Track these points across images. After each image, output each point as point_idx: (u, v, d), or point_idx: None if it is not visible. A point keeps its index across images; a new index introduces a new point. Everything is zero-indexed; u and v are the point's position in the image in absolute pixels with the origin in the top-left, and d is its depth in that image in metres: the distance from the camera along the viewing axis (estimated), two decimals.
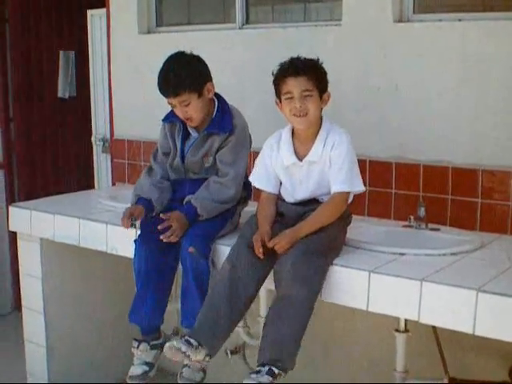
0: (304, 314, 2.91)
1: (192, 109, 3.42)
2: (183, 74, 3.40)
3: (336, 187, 3.13)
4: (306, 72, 3.11)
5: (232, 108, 3.54)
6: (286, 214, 3.25)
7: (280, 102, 3.19)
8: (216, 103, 3.53)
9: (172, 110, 3.54)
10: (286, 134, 3.25)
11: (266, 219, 3.18)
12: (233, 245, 3.16)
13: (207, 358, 2.93)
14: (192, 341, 2.89)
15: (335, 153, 3.12)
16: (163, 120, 3.63)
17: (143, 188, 3.57)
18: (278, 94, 3.18)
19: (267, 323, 2.95)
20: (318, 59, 3.18)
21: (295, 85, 3.10)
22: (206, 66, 3.50)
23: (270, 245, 3.01)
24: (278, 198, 3.32)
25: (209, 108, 3.50)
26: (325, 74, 3.18)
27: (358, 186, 3.17)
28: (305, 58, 3.16)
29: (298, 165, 3.20)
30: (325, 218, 3.10)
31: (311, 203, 3.22)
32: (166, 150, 3.63)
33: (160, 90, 3.45)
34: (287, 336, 2.87)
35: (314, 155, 3.16)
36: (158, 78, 3.46)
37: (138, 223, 3.48)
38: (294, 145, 3.22)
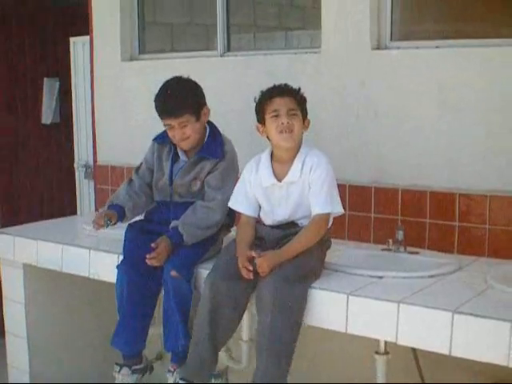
0: (289, 346, 2.99)
1: (190, 130, 3.48)
2: (183, 96, 3.48)
3: (316, 209, 3.17)
4: (291, 94, 3.22)
5: (223, 135, 3.60)
6: (266, 237, 3.28)
7: (263, 124, 3.24)
8: (207, 129, 3.59)
9: (164, 131, 3.59)
10: (265, 156, 3.30)
11: (245, 243, 3.22)
12: (209, 273, 3.20)
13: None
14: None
15: (314, 175, 3.17)
16: (154, 139, 3.68)
17: (119, 196, 3.63)
18: (262, 115, 3.24)
19: (257, 356, 3.05)
20: (300, 88, 3.27)
21: (282, 103, 3.18)
22: (202, 90, 3.58)
23: (254, 256, 3.07)
24: (258, 221, 3.36)
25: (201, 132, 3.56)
26: (305, 101, 3.27)
27: (338, 208, 3.22)
28: (286, 84, 3.26)
29: (277, 186, 3.25)
30: (306, 241, 3.13)
31: (290, 226, 3.26)
32: (150, 166, 3.67)
33: (159, 111, 3.49)
34: (276, 369, 2.98)
35: (292, 176, 3.21)
36: (157, 99, 3.51)
37: (110, 225, 3.52)
38: (272, 167, 3.27)
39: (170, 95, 3.50)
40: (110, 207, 3.58)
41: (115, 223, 3.54)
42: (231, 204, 3.42)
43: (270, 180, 3.26)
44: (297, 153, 3.23)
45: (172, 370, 3.40)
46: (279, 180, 3.25)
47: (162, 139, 3.63)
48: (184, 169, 3.55)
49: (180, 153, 3.59)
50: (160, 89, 3.54)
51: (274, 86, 3.26)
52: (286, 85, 3.25)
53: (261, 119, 3.26)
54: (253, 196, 3.34)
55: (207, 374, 3.24)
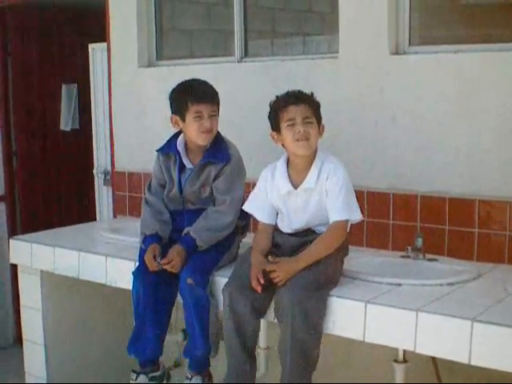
0: (312, 355, 2.99)
1: (215, 122, 3.49)
2: (214, 88, 3.53)
3: (334, 216, 3.15)
4: (306, 101, 3.20)
5: (226, 139, 3.58)
6: (283, 244, 3.27)
7: (278, 132, 3.22)
8: None
9: (168, 142, 3.60)
10: (281, 164, 3.28)
11: (260, 250, 3.21)
12: (226, 283, 3.18)
13: None
14: None
15: (331, 182, 3.15)
16: (158, 150, 3.66)
17: (147, 224, 3.58)
18: (277, 124, 3.22)
19: (282, 365, 3.04)
20: (312, 93, 3.24)
21: (297, 111, 3.16)
22: None
23: (267, 269, 3.04)
24: (275, 228, 3.34)
25: None
26: (319, 106, 3.25)
27: (356, 214, 3.20)
28: (300, 91, 3.23)
29: (294, 193, 3.23)
30: (324, 248, 3.11)
31: (308, 234, 3.24)
32: (161, 182, 3.66)
33: (195, 95, 3.45)
34: (300, 378, 2.99)
35: (309, 183, 3.19)
36: (189, 87, 3.50)
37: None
38: (289, 174, 3.25)
39: (204, 82, 3.53)
40: (145, 241, 3.52)
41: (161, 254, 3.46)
42: (248, 209, 3.41)
43: (286, 187, 3.24)
44: (313, 160, 3.21)
45: (190, 376, 3.40)
46: (295, 187, 3.23)
47: (166, 149, 3.62)
48: (191, 176, 3.54)
49: (185, 161, 3.58)
50: (184, 82, 3.54)
51: (288, 93, 3.24)
52: (300, 92, 3.23)
53: (276, 127, 3.24)
54: (270, 204, 3.32)
55: (250, 379, 3.20)
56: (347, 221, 3.18)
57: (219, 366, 3.31)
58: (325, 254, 3.09)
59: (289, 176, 3.25)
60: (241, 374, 3.16)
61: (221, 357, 3.29)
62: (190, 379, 3.39)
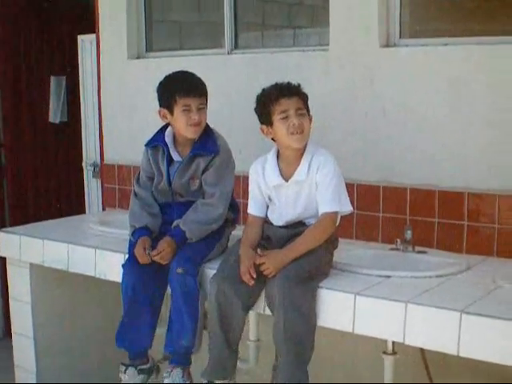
0: (306, 345, 2.99)
1: (204, 115, 3.48)
2: (202, 81, 3.52)
3: (324, 207, 3.15)
4: (297, 93, 3.20)
5: (214, 131, 3.58)
6: (273, 237, 3.27)
7: (269, 125, 3.21)
8: None
9: (155, 135, 3.60)
10: (271, 156, 3.28)
11: (249, 243, 3.21)
12: (214, 275, 3.18)
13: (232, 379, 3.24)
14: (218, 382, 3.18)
15: (321, 174, 3.15)
16: (146, 145, 3.65)
17: (136, 217, 3.57)
18: (268, 117, 3.20)
19: (277, 356, 3.08)
20: (299, 84, 3.24)
21: (290, 104, 3.15)
22: None
23: (257, 262, 3.05)
24: (265, 221, 3.34)
25: None
26: (307, 97, 3.25)
27: (346, 206, 3.21)
28: (289, 82, 3.23)
29: (285, 185, 3.23)
30: (313, 240, 3.11)
31: (298, 226, 3.24)
32: (149, 175, 3.65)
33: (183, 88, 3.44)
34: (296, 369, 2.98)
35: (299, 175, 3.19)
36: (177, 80, 3.50)
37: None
38: (279, 167, 3.25)
39: (192, 75, 3.52)
40: (135, 234, 3.51)
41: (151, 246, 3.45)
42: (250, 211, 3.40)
43: (276, 180, 3.24)
44: (303, 152, 3.21)
45: (169, 370, 3.37)
46: (286, 180, 3.22)
47: (154, 143, 3.61)
48: (180, 169, 3.53)
49: (173, 154, 3.56)
50: (170, 74, 3.54)
51: (277, 85, 3.23)
52: (289, 83, 3.23)
53: (266, 121, 3.23)
54: (260, 196, 3.33)
55: (230, 374, 3.21)
56: (337, 213, 3.18)
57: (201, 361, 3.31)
58: (313, 245, 3.09)
59: (279, 169, 3.25)
60: (221, 367, 3.17)
61: (205, 355, 3.29)
62: (170, 372, 3.36)
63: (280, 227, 3.29)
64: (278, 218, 3.30)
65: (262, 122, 3.26)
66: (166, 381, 3.36)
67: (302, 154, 3.21)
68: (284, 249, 3.12)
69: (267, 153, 3.33)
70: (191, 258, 3.35)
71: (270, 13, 4.81)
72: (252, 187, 3.37)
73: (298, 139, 3.16)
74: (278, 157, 3.28)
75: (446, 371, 3.45)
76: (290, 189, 3.23)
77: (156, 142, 3.59)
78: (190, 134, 3.49)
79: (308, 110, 3.23)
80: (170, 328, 3.37)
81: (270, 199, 3.31)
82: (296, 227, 3.24)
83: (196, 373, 3.36)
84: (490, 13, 3.69)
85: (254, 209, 3.35)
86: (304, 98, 3.23)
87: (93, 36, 5.18)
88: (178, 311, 3.32)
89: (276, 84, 3.23)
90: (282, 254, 3.08)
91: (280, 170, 3.25)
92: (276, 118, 3.17)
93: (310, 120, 3.24)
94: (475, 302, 2.72)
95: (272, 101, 3.18)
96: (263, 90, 3.26)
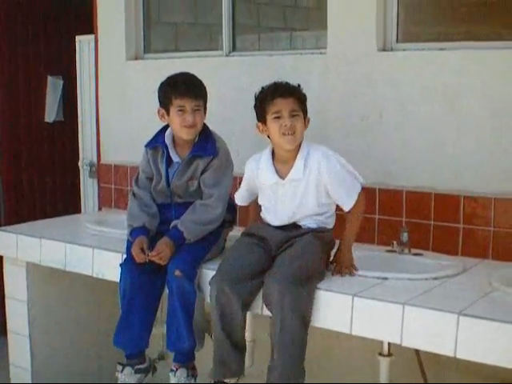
0: (301, 345, 3.02)
1: (199, 117, 3.50)
2: (200, 83, 3.54)
3: (348, 203, 3.24)
4: (293, 94, 3.23)
5: (213, 133, 3.60)
6: (269, 239, 3.28)
7: (263, 123, 3.25)
8: None
9: (155, 136, 3.63)
10: (266, 155, 3.32)
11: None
12: (213, 277, 3.18)
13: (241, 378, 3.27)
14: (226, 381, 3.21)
15: (326, 173, 3.19)
16: (146, 145, 3.67)
17: (134, 217, 3.59)
18: (263, 115, 3.24)
19: (273, 356, 3.05)
20: (299, 85, 3.27)
21: (283, 104, 3.19)
22: None
23: (344, 269, 3.21)
24: (261, 221, 3.38)
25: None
26: (306, 98, 3.28)
27: (360, 186, 3.27)
28: (287, 83, 3.26)
29: (281, 183, 3.26)
30: (358, 225, 3.30)
31: (294, 229, 3.28)
32: (148, 175, 3.67)
33: (179, 90, 3.47)
34: (292, 369, 3.02)
35: (296, 173, 3.22)
36: (174, 81, 3.52)
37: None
38: (274, 165, 3.29)
39: (190, 77, 3.54)
40: (132, 233, 3.53)
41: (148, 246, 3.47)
42: (237, 200, 3.54)
43: (273, 178, 3.27)
44: (298, 150, 3.24)
45: (174, 369, 3.41)
46: (282, 178, 3.25)
47: (154, 143, 3.64)
48: (179, 170, 3.55)
49: (173, 155, 3.59)
50: (172, 75, 3.56)
51: (276, 84, 3.26)
52: (287, 84, 3.26)
53: (261, 118, 3.27)
54: (246, 193, 3.50)
55: (238, 373, 3.23)
56: (359, 194, 3.25)
57: (206, 359, 3.32)
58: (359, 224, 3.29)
59: (274, 167, 3.28)
60: (227, 366, 3.19)
61: (208, 350, 3.31)
62: (175, 371, 3.41)
63: (276, 228, 3.31)
64: (274, 216, 3.33)
65: (258, 120, 3.30)
66: (171, 380, 3.40)
67: (296, 153, 3.24)
68: (342, 246, 3.26)
69: (260, 152, 3.38)
70: (189, 260, 3.37)
71: (266, 15, 4.84)
72: (243, 183, 3.47)
73: (289, 140, 3.18)
74: (273, 155, 3.31)
75: (441, 372, 3.47)
76: (287, 187, 3.26)
77: (156, 143, 3.62)
78: (184, 134, 3.51)
79: (305, 112, 3.26)
80: (168, 327, 3.39)
81: (264, 195, 3.37)
82: (291, 230, 3.28)
83: (201, 373, 3.41)
84: (486, 17, 3.72)
85: (242, 201, 3.53)
86: (301, 99, 3.25)
87: (91, 37, 5.19)
88: (174, 313, 3.34)
89: (275, 83, 3.27)
90: (345, 250, 3.24)
91: (276, 169, 3.28)
92: (269, 117, 3.21)
93: (308, 122, 3.27)
94: (472, 304, 2.75)
95: (267, 100, 3.22)
96: (262, 88, 3.30)
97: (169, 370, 3.45)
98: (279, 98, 3.19)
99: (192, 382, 3.40)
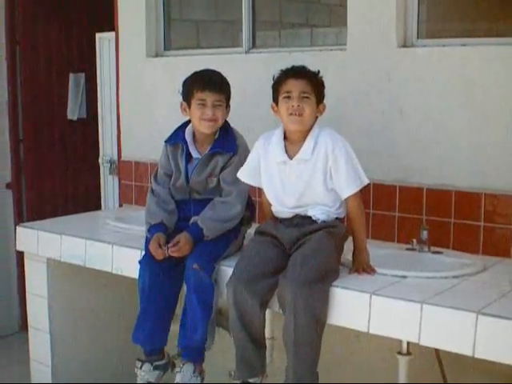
0: (314, 345, 3.00)
1: (219, 112, 3.50)
2: (223, 79, 3.55)
3: (347, 191, 3.21)
4: (307, 76, 3.23)
5: (234, 130, 3.60)
6: (281, 238, 3.25)
7: (276, 104, 3.25)
8: None
9: (175, 132, 3.63)
10: (278, 133, 3.30)
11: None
12: (230, 278, 3.17)
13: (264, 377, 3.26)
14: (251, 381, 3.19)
15: (332, 157, 3.18)
16: (166, 141, 3.67)
17: (152, 213, 3.59)
18: (276, 95, 3.26)
19: (287, 356, 3.03)
20: (319, 71, 3.27)
21: (295, 85, 3.19)
22: None
23: (361, 271, 3.19)
24: (273, 221, 3.37)
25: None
26: (323, 85, 3.28)
27: (364, 180, 3.24)
28: (304, 66, 3.28)
29: (289, 163, 3.25)
30: (363, 222, 3.28)
31: (305, 223, 3.26)
32: (167, 172, 3.67)
33: (200, 83, 3.50)
34: (304, 369, 3.01)
35: (304, 154, 3.21)
36: (197, 75, 3.55)
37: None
38: (285, 145, 3.27)
39: (214, 72, 3.57)
40: (150, 230, 3.54)
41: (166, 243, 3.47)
42: (241, 177, 3.44)
43: (281, 157, 3.26)
44: (308, 133, 3.23)
45: (181, 365, 3.38)
46: (290, 158, 3.25)
47: (174, 140, 3.64)
48: (198, 166, 3.55)
49: (193, 151, 3.59)
50: (197, 71, 3.58)
51: (293, 66, 3.27)
52: (303, 67, 3.27)
53: (275, 98, 3.27)
54: (251, 168, 3.40)
55: (260, 372, 3.22)
56: (359, 191, 3.23)
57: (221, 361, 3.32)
58: (364, 223, 3.28)
59: (285, 147, 3.27)
60: (248, 365, 3.18)
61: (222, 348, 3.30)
62: (182, 367, 3.37)
63: (287, 226, 3.29)
64: (281, 204, 3.32)
65: (273, 100, 3.31)
66: (177, 376, 3.37)
67: (306, 135, 3.23)
68: (356, 250, 3.24)
69: (272, 130, 3.37)
70: (207, 255, 3.37)
71: (287, 11, 4.83)
72: (250, 158, 3.41)
73: (294, 121, 3.18)
74: (285, 135, 3.30)
75: (460, 372, 3.45)
76: (294, 168, 3.24)
77: (176, 139, 3.62)
78: (203, 128, 3.52)
79: (320, 97, 3.24)
80: (182, 323, 3.38)
81: (269, 177, 3.34)
82: (303, 225, 3.25)
83: (210, 374, 3.41)
84: (508, 13, 3.69)
85: (254, 181, 3.42)
86: (314, 82, 3.23)
87: (111, 34, 5.21)
88: (191, 307, 3.34)
89: (293, 65, 3.28)
90: (362, 252, 3.22)
91: (285, 147, 3.27)
92: (280, 97, 3.22)
93: (323, 108, 3.26)
94: (491, 304, 2.72)
95: (281, 80, 3.24)
96: (281, 70, 3.30)
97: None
98: (291, 79, 3.20)
99: (198, 382, 3.35)
